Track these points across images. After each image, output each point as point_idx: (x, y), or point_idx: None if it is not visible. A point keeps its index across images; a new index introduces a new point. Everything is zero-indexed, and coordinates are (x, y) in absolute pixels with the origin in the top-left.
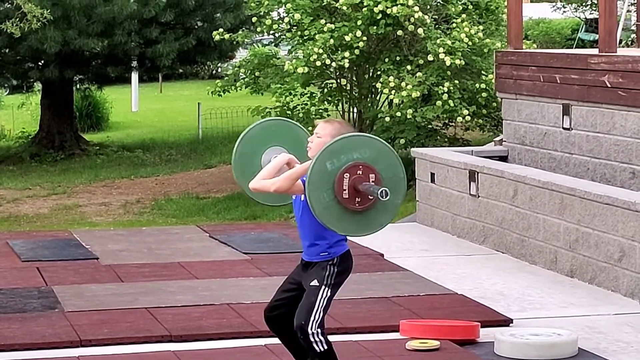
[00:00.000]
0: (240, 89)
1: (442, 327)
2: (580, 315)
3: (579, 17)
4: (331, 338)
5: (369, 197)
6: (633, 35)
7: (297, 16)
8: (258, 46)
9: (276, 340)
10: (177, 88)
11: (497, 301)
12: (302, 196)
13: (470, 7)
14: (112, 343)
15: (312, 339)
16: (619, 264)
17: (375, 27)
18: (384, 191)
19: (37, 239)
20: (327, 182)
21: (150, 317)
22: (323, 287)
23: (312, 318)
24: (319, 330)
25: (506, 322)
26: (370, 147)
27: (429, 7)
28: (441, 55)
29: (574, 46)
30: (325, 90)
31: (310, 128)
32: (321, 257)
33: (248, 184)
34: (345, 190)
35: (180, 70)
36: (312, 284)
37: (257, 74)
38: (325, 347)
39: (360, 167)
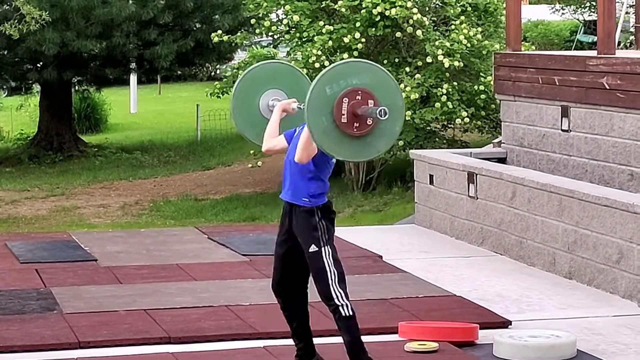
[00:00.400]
0: None
1: (441, 329)
2: (579, 316)
3: (578, 19)
4: (329, 340)
5: (367, 122)
6: (632, 37)
7: (295, 18)
8: (257, 48)
9: (275, 342)
10: (175, 90)
11: (495, 303)
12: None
13: (469, 9)
14: (110, 345)
15: (337, 302)
16: (617, 266)
17: (373, 29)
18: (382, 110)
19: (35, 240)
20: (326, 106)
21: (149, 319)
22: (322, 248)
23: (330, 281)
24: (342, 292)
25: (505, 323)
26: (370, 74)
27: (427, 9)
28: (440, 57)
29: (573, 48)
30: None
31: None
32: (302, 202)
33: (245, 124)
34: (344, 114)
35: (179, 72)
36: (310, 250)
37: None
38: (350, 314)
39: (360, 92)
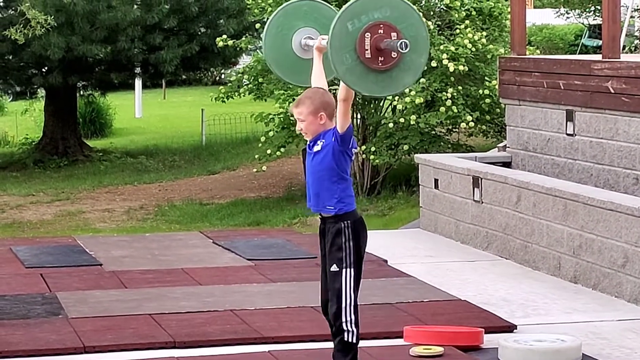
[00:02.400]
0: (243, 95)
1: (446, 333)
2: (584, 321)
3: (583, 23)
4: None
5: (392, 56)
6: (636, 41)
7: None
8: (261, 52)
9: (280, 347)
10: (180, 94)
11: (500, 307)
12: (315, 147)
13: (474, 13)
14: (116, 349)
15: (344, 327)
16: (622, 270)
17: None
18: (403, 43)
19: (40, 245)
20: (349, 43)
21: (154, 324)
22: (344, 270)
23: (343, 305)
24: (353, 317)
25: (510, 328)
26: (391, 6)
27: (432, 13)
28: (445, 61)
29: (578, 52)
30: None
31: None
32: (328, 210)
33: (279, 63)
34: (367, 50)
35: (184, 77)
36: (331, 269)
37: (260, 80)
38: (353, 341)
39: (382, 26)
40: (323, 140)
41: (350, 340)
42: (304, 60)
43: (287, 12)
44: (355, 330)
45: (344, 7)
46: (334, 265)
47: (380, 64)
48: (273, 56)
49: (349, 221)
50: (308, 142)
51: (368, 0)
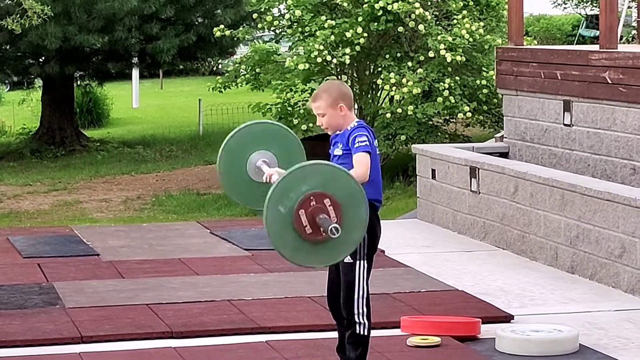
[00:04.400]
0: (241, 85)
1: (443, 324)
2: (581, 311)
3: (580, 14)
4: (332, 335)
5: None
6: (634, 32)
7: (297, 12)
8: (259, 42)
9: (277, 337)
10: (177, 84)
11: (497, 297)
12: (336, 150)
13: (471, 3)
14: (113, 339)
15: (356, 320)
16: (619, 260)
17: (376, 24)
18: (333, 228)
19: (37, 235)
20: (286, 225)
21: (151, 314)
22: (357, 261)
23: (356, 297)
24: (365, 310)
25: (507, 318)
26: (317, 174)
27: (429, 3)
28: (442, 52)
29: (575, 42)
30: None
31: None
32: None
33: (229, 182)
34: (306, 226)
35: (181, 67)
36: (345, 260)
37: (257, 70)
38: (365, 334)
39: (312, 197)
40: (341, 144)
41: (361, 332)
42: (259, 184)
43: (242, 136)
44: (367, 322)
45: (270, 190)
46: (348, 257)
47: (324, 234)
48: (227, 180)
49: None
50: (330, 137)
51: (292, 176)
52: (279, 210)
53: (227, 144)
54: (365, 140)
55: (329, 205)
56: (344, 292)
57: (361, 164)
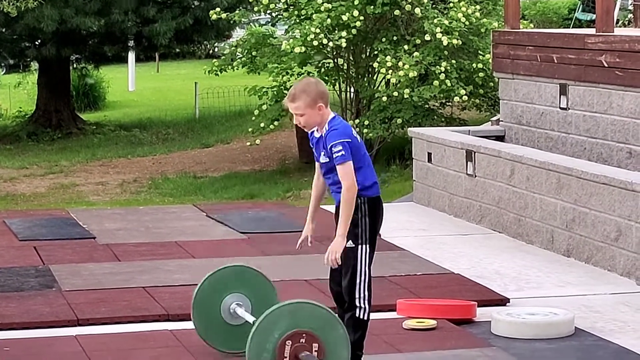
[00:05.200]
0: (237, 69)
1: (439, 307)
2: (577, 294)
3: None
4: None
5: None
6: (630, 15)
7: None
8: (255, 26)
9: None
10: (173, 67)
11: (493, 280)
12: (321, 158)
13: None
14: (109, 322)
15: (357, 304)
16: (615, 244)
17: (372, 7)
18: None
19: (34, 218)
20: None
21: (148, 296)
22: (360, 246)
23: (357, 281)
24: (366, 295)
25: (503, 301)
26: (284, 316)
27: None
28: (438, 35)
29: (571, 26)
30: (322, 69)
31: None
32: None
33: (205, 326)
34: (286, 357)
35: (177, 50)
36: (347, 245)
37: (254, 53)
38: (365, 318)
39: (287, 340)
40: (324, 152)
41: (361, 317)
42: (234, 327)
43: (217, 279)
44: (367, 307)
45: (257, 322)
46: (350, 241)
47: None
48: (201, 323)
49: (366, 197)
50: (308, 134)
51: (262, 325)
52: (266, 346)
53: (200, 287)
54: (340, 150)
55: (307, 341)
56: (346, 276)
57: (345, 176)
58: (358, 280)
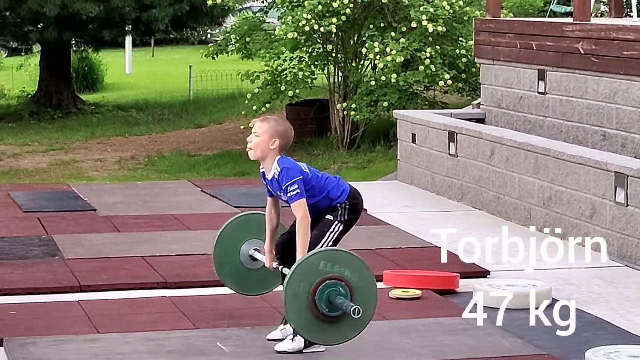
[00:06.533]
0: (231, 54)
1: (424, 277)
2: (554, 268)
3: None
4: None
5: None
6: (603, 8)
7: None
8: (247, 13)
9: None
10: (168, 52)
11: (474, 254)
12: (282, 196)
13: None
14: (110, 289)
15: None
16: (590, 221)
17: None
18: (356, 309)
19: (37, 191)
20: (312, 276)
21: (146, 265)
22: (336, 222)
23: (320, 244)
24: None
25: (484, 273)
26: (361, 273)
27: None
28: (424, 22)
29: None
30: (313, 54)
31: (290, 94)
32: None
33: (225, 273)
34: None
35: (173, 35)
36: (327, 217)
37: (247, 39)
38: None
39: (345, 283)
40: (282, 193)
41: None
42: (252, 271)
43: (235, 226)
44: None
45: (330, 247)
46: (330, 215)
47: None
48: (223, 269)
49: (344, 202)
50: (264, 179)
51: (347, 256)
52: (319, 262)
53: (220, 235)
54: (296, 189)
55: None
56: (312, 237)
57: (298, 210)
58: (320, 245)
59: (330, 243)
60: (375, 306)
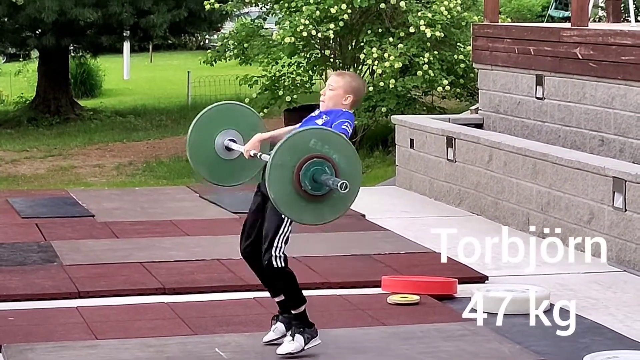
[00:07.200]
0: (229, 59)
1: (422, 283)
2: (552, 273)
3: None
4: (316, 292)
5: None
6: (601, 13)
7: None
8: (245, 19)
9: (264, 294)
10: (166, 58)
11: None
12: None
13: None
14: (108, 295)
15: (273, 253)
16: (588, 226)
17: (359, 0)
18: (343, 184)
19: (35, 197)
20: (301, 152)
21: (145, 271)
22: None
23: (280, 233)
24: (284, 245)
25: (482, 279)
26: (349, 160)
27: None
28: (422, 28)
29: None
30: (311, 60)
31: (288, 99)
32: None
33: (202, 167)
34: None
35: (171, 41)
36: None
37: (245, 45)
38: (283, 265)
39: (332, 165)
40: (326, 117)
41: (280, 265)
42: (226, 162)
43: (209, 117)
44: (282, 255)
45: (323, 126)
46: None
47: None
48: (196, 159)
49: None
50: (313, 114)
51: (339, 139)
52: (310, 140)
53: (197, 121)
54: (348, 126)
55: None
56: (268, 231)
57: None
58: (280, 233)
59: (287, 233)
60: (355, 197)
